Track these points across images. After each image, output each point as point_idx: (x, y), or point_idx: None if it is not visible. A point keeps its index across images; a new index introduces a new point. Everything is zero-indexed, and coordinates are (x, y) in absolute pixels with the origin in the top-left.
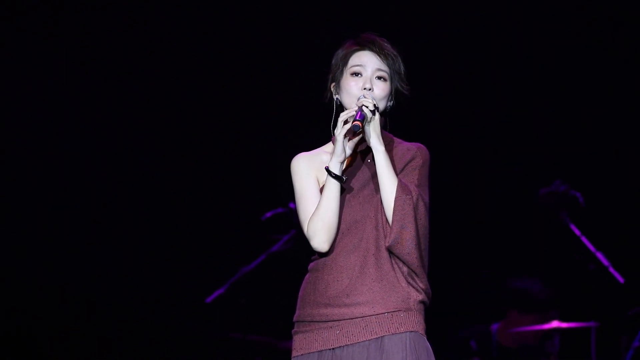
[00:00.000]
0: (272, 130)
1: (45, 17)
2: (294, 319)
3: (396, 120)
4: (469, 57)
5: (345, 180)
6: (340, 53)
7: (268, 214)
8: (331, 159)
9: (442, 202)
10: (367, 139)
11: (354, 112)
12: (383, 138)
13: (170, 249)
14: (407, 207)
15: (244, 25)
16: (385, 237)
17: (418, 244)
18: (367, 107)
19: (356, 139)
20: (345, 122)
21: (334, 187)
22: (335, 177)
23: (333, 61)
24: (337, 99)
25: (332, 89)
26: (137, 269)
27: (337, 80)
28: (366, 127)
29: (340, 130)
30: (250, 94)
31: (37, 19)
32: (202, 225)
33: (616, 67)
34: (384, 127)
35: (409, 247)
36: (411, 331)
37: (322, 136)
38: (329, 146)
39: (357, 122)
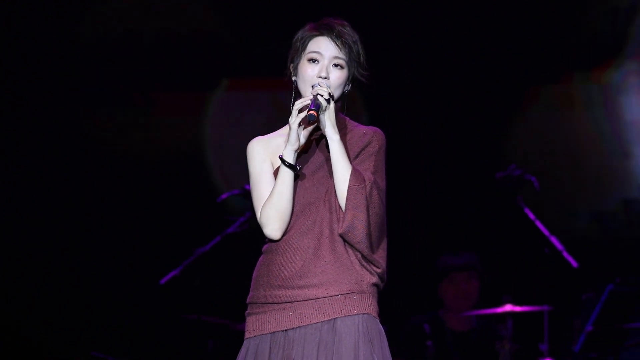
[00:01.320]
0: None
1: None
2: (247, 300)
3: (354, 105)
4: (424, 45)
5: (299, 169)
6: (299, 35)
7: (224, 196)
8: (285, 147)
9: (399, 188)
10: (322, 127)
11: (309, 101)
12: (339, 122)
13: (125, 230)
14: (360, 197)
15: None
16: (338, 222)
17: (369, 233)
18: (321, 95)
19: (311, 127)
20: (300, 110)
21: (287, 175)
22: (289, 166)
23: (293, 41)
24: (295, 80)
25: (291, 69)
26: (92, 249)
27: (295, 64)
28: (321, 116)
29: (294, 119)
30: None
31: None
32: (157, 206)
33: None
34: (340, 110)
35: (359, 236)
36: (364, 313)
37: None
38: (285, 129)
39: (312, 112)
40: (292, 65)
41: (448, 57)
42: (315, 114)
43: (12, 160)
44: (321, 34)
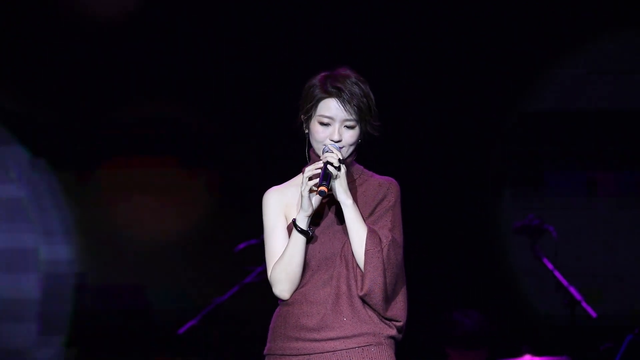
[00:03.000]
0: (247, 160)
1: None
2: (265, 351)
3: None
4: (439, 95)
5: (312, 232)
6: (309, 92)
7: (241, 245)
8: (298, 212)
9: (417, 237)
10: (333, 193)
11: (319, 171)
12: (353, 172)
13: (143, 279)
14: (377, 261)
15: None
16: (356, 281)
17: (386, 297)
18: (332, 164)
19: None
20: (310, 178)
21: (299, 240)
22: (301, 231)
23: (303, 94)
24: (307, 133)
25: (302, 119)
26: (108, 298)
27: (307, 122)
28: (332, 183)
29: (305, 186)
30: (225, 126)
31: None
32: (175, 256)
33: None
34: (353, 158)
35: (376, 298)
36: None
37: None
38: (299, 178)
39: (322, 188)
40: (302, 116)
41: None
42: (326, 190)
43: None
44: (330, 96)
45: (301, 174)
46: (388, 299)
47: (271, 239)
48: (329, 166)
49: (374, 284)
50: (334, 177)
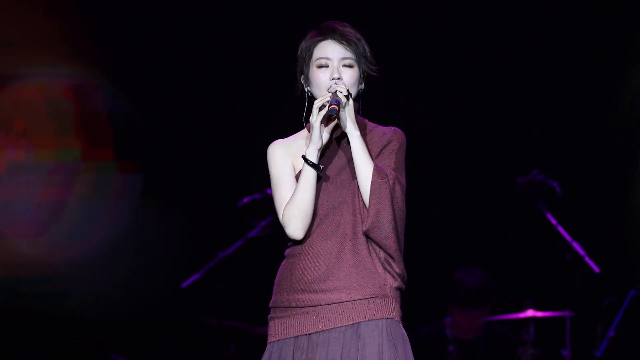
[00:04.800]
0: (249, 115)
1: None
2: (270, 304)
3: (374, 107)
4: (447, 46)
5: (322, 169)
6: (304, 45)
7: (245, 200)
8: (308, 146)
9: (419, 192)
10: (342, 124)
11: (328, 98)
12: (358, 123)
13: (147, 233)
14: (384, 191)
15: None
16: (362, 222)
17: (395, 227)
18: (340, 92)
19: (332, 125)
20: (320, 108)
21: (310, 175)
22: (312, 165)
23: (298, 53)
24: (308, 90)
25: (301, 81)
26: (112, 251)
27: (305, 73)
28: (341, 113)
29: (315, 117)
30: (227, 80)
31: None
32: (179, 209)
33: (590, 57)
34: (357, 112)
35: (385, 230)
36: (387, 318)
37: (297, 123)
38: (304, 132)
39: (333, 106)
40: (302, 76)
41: (464, 57)
42: (337, 108)
43: None
44: (325, 38)
45: (305, 129)
46: (397, 233)
47: (280, 186)
48: (338, 92)
49: (381, 215)
50: (343, 105)
